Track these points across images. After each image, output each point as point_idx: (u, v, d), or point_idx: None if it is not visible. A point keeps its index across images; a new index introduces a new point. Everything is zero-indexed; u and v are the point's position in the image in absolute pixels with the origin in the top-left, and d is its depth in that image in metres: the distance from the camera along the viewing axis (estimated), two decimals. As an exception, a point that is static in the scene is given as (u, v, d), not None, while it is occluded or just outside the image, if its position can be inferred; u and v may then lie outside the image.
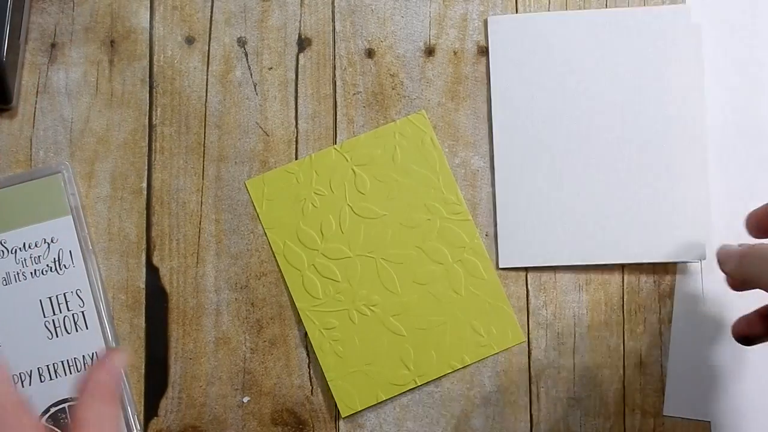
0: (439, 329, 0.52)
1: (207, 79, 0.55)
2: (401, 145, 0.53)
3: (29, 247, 0.52)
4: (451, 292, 0.52)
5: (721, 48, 0.55)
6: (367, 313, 0.51)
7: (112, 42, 0.55)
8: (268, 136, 0.54)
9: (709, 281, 0.53)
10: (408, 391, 0.52)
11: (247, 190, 0.53)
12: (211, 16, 0.55)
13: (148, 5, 0.55)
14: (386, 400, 0.52)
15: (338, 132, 0.54)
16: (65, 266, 0.52)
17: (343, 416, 0.51)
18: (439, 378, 0.52)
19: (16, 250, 0.52)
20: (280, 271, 0.52)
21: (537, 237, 0.53)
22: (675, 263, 0.53)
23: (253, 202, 0.53)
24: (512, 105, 0.54)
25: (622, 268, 0.53)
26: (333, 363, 0.51)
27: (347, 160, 0.53)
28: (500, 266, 0.53)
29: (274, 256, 0.52)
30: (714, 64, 0.54)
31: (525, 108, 0.54)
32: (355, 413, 0.52)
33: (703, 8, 0.55)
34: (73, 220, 0.52)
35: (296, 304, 0.52)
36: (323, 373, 0.51)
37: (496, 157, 0.53)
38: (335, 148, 0.53)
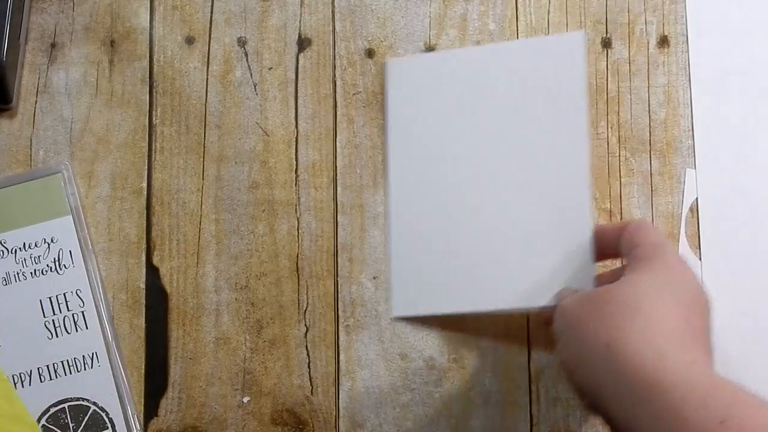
0: None
1: (207, 79, 0.55)
2: None
3: (29, 247, 0.52)
4: None
5: (717, 57, 0.55)
6: None
7: (112, 42, 0.55)
8: (268, 136, 0.54)
9: (709, 280, 0.53)
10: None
11: None
12: (211, 16, 0.55)
13: (148, 5, 0.55)
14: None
15: (338, 132, 0.54)
16: (65, 266, 0.52)
17: None
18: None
19: (16, 250, 0.52)
20: None
21: (431, 282, 0.51)
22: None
23: None
24: (409, 146, 0.52)
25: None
26: None
27: None
28: (394, 315, 0.52)
29: None
30: (707, 72, 0.55)
31: (421, 149, 0.52)
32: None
33: (703, 9, 0.55)
34: (73, 220, 0.52)
35: None
36: None
37: (392, 200, 0.52)
38: None
